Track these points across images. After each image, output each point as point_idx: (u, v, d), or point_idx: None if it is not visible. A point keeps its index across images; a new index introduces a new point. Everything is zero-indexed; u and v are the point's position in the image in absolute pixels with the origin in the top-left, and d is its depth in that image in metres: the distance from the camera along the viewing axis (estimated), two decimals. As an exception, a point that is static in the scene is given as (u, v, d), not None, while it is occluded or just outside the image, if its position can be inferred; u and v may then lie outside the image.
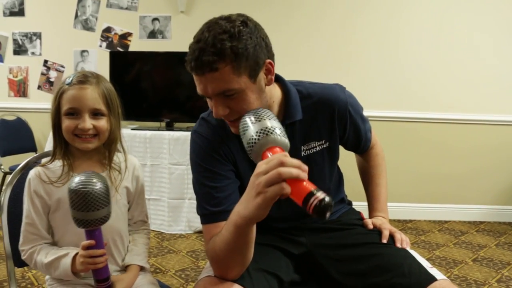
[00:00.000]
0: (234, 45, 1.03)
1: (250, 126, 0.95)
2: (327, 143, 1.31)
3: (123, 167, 1.32)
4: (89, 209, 1.02)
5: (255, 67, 1.08)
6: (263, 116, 0.97)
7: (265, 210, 0.90)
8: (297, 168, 0.85)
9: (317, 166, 1.31)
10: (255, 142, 0.92)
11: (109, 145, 1.28)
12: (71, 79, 1.23)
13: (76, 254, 1.15)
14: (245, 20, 1.08)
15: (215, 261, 1.12)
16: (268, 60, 1.12)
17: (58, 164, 1.25)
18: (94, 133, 1.21)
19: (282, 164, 0.85)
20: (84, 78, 1.22)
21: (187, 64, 1.08)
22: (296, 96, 1.25)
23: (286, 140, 0.94)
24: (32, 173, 1.25)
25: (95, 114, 1.22)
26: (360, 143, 1.45)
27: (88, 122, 1.19)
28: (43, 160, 1.29)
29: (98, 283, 1.14)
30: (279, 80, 1.26)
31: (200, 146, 1.23)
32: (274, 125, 0.95)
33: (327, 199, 0.81)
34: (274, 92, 1.22)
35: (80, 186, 1.02)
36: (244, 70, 1.05)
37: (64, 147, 1.25)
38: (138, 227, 1.40)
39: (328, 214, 0.81)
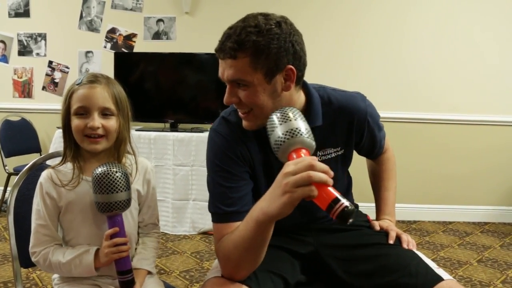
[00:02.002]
0: (257, 40, 1.06)
1: (278, 126, 0.96)
2: (342, 150, 1.32)
3: (133, 169, 1.32)
4: (109, 191, 1.11)
5: (273, 68, 1.09)
6: (290, 117, 0.97)
7: (290, 209, 0.91)
8: (326, 174, 0.87)
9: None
10: (283, 142, 0.94)
11: (117, 147, 1.28)
12: (81, 79, 1.24)
13: (97, 250, 1.19)
14: (281, 22, 1.10)
15: (226, 259, 1.12)
16: (290, 66, 1.11)
17: (69, 166, 1.26)
18: (102, 133, 1.21)
19: (312, 167, 0.87)
20: (94, 78, 1.23)
21: (216, 47, 1.13)
22: (318, 102, 1.26)
23: (312, 142, 0.96)
24: (44, 175, 1.25)
25: (105, 113, 1.22)
26: (374, 150, 1.46)
27: (97, 121, 1.19)
28: (54, 162, 1.30)
29: (121, 275, 1.16)
30: (304, 85, 1.26)
31: (218, 145, 1.23)
32: (301, 126, 0.96)
33: (350, 206, 0.84)
34: (298, 99, 1.22)
35: (102, 170, 1.13)
36: (261, 67, 1.08)
37: (74, 148, 1.26)
38: (148, 230, 1.40)
39: (350, 221, 0.84)
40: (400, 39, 3.91)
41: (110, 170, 1.12)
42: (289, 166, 0.90)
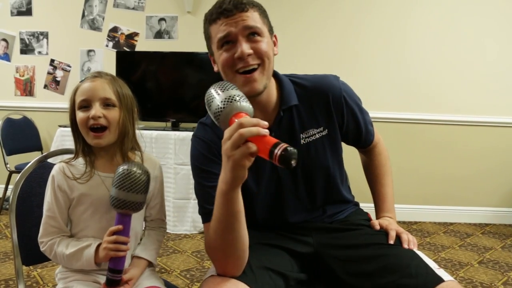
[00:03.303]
0: (259, 3, 1.21)
1: (216, 97, 0.98)
2: (326, 130, 1.32)
3: None
4: (130, 189, 1.12)
5: (270, 28, 1.24)
6: (227, 87, 1.00)
7: (241, 170, 0.94)
8: (256, 126, 0.89)
9: (318, 154, 1.31)
10: (221, 110, 0.95)
11: (121, 139, 1.29)
12: (85, 77, 1.28)
13: (99, 245, 1.20)
14: None
15: (212, 251, 1.13)
16: (274, 34, 1.26)
17: (80, 161, 1.29)
18: (105, 124, 1.23)
19: (241, 125, 0.89)
20: (97, 74, 1.28)
21: (210, 15, 1.19)
22: (289, 84, 1.31)
23: (250, 105, 0.97)
24: (56, 168, 1.28)
25: (107, 104, 1.25)
26: (361, 135, 1.43)
27: (98, 110, 1.22)
28: (56, 160, 1.32)
29: (111, 272, 1.16)
30: (273, 73, 1.30)
31: (196, 148, 1.28)
32: (237, 93, 0.98)
33: (291, 148, 0.83)
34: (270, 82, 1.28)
35: (131, 167, 1.14)
36: (266, 22, 1.22)
37: (84, 144, 1.28)
38: (155, 225, 1.41)
39: (293, 162, 0.83)
40: (403, 40, 3.91)
41: (137, 171, 1.14)
42: (225, 133, 0.92)
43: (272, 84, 1.28)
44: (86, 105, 1.23)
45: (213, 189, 1.16)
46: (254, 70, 1.17)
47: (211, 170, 1.22)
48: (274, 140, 0.86)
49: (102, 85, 1.25)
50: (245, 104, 0.96)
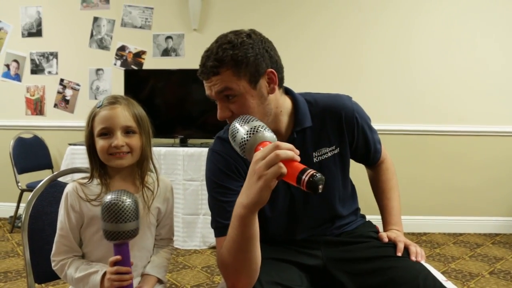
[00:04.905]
0: (234, 53, 1.16)
1: (240, 129, 1.02)
2: (338, 149, 1.36)
3: (155, 186, 1.37)
4: (118, 220, 1.08)
5: (254, 74, 1.18)
6: (249, 119, 1.04)
7: (267, 192, 0.96)
8: (291, 150, 0.92)
9: (330, 173, 1.35)
10: (247, 141, 0.99)
11: (141, 163, 1.32)
12: (101, 102, 1.30)
13: (105, 272, 1.19)
14: (250, 33, 1.21)
15: (224, 268, 1.15)
16: (270, 70, 1.21)
17: (95, 182, 1.31)
18: (127, 151, 1.27)
19: (277, 147, 0.92)
20: (114, 100, 1.30)
21: (198, 72, 1.22)
22: (304, 105, 1.33)
23: (274, 135, 1.01)
24: (69, 187, 1.30)
25: (127, 132, 1.28)
26: (370, 153, 1.48)
27: (121, 140, 1.25)
28: (81, 179, 1.33)
29: None
30: (288, 92, 1.35)
31: (213, 163, 1.30)
32: (261, 124, 1.02)
33: (318, 174, 0.87)
34: (283, 103, 1.30)
35: (112, 199, 1.09)
36: (244, 75, 1.17)
37: (100, 168, 1.31)
38: (164, 244, 1.44)
39: (320, 188, 0.87)
40: (407, 52, 3.93)
41: (120, 199, 1.09)
42: (257, 155, 0.95)
43: (286, 105, 1.31)
44: (106, 132, 1.26)
45: (228, 204, 1.19)
46: None
47: (227, 186, 1.25)
48: (302, 166, 0.91)
49: (122, 113, 1.27)
50: (269, 133, 1.00)
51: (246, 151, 1.00)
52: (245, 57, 1.16)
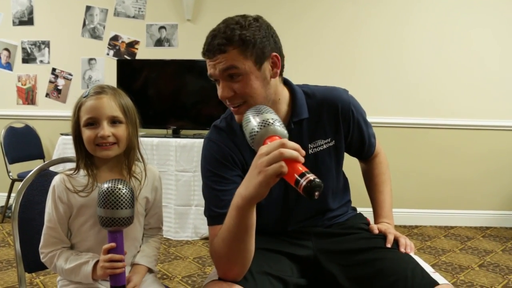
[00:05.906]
0: (243, 33, 1.16)
1: (252, 120, 1.02)
2: (333, 141, 1.36)
3: (143, 176, 1.36)
4: (114, 207, 1.11)
5: (260, 55, 1.19)
6: (263, 111, 1.04)
7: (266, 188, 0.96)
8: (297, 151, 0.92)
9: (325, 165, 1.35)
10: (257, 132, 0.99)
11: (127, 153, 1.31)
12: (88, 92, 1.28)
13: (97, 262, 1.20)
14: (257, 18, 1.22)
15: (217, 256, 1.15)
16: (274, 53, 1.22)
17: (81, 173, 1.30)
18: (113, 141, 1.25)
19: (283, 145, 0.92)
20: (100, 89, 1.28)
21: (202, 51, 1.21)
22: (302, 96, 1.33)
23: (285, 131, 1.01)
24: (57, 179, 1.29)
25: (114, 122, 1.26)
26: (364, 147, 1.48)
27: (107, 130, 1.23)
28: (58, 168, 1.33)
29: None
30: (286, 83, 1.35)
31: (209, 152, 1.29)
32: (273, 117, 1.02)
33: (317, 180, 0.87)
34: (282, 91, 1.31)
35: (110, 186, 1.12)
36: (250, 55, 1.17)
37: (86, 158, 1.29)
38: (153, 233, 1.44)
39: (317, 194, 0.87)
40: (401, 45, 3.94)
41: (117, 187, 1.12)
42: (262, 149, 0.95)
43: (284, 94, 1.32)
44: (92, 122, 1.24)
45: (222, 193, 1.20)
46: (240, 105, 1.22)
47: (223, 175, 1.25)
48: (304, 168, 0.90)
49: (108, 102, 1.25)
50: (280, 128, 1.00)
51: (255, 142, 1.00)
52: (252, 38, 1.16)
